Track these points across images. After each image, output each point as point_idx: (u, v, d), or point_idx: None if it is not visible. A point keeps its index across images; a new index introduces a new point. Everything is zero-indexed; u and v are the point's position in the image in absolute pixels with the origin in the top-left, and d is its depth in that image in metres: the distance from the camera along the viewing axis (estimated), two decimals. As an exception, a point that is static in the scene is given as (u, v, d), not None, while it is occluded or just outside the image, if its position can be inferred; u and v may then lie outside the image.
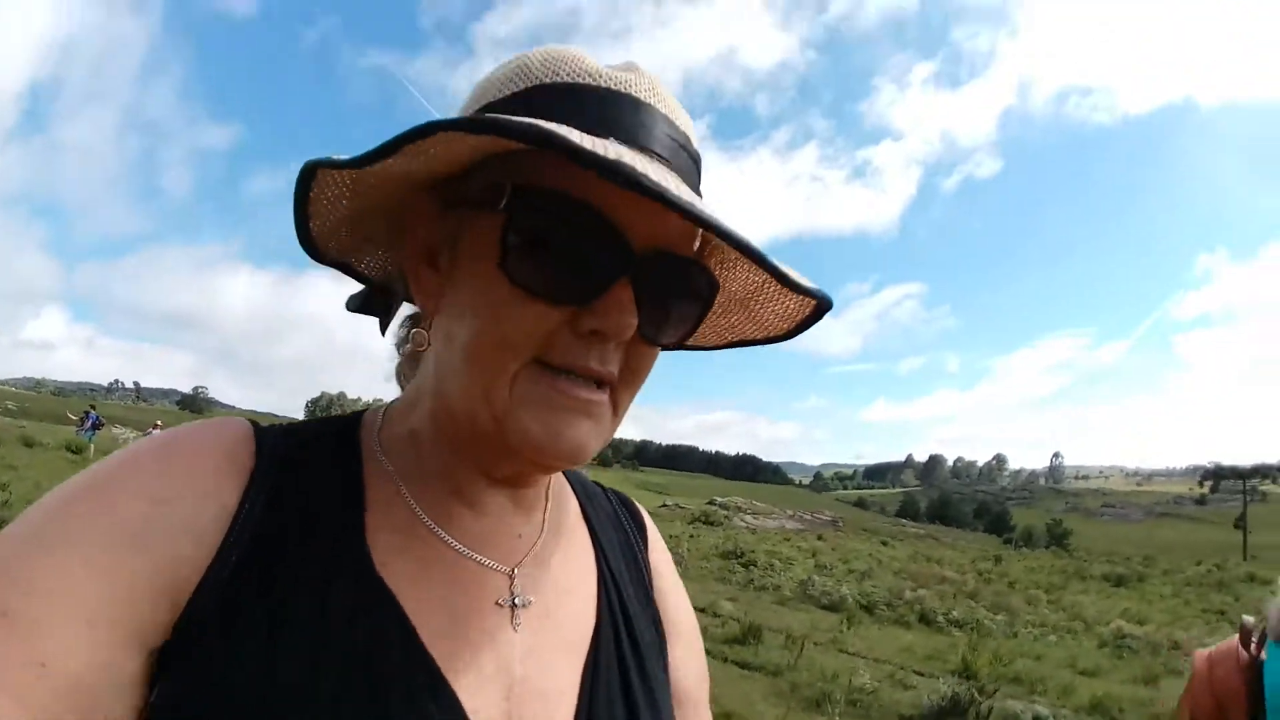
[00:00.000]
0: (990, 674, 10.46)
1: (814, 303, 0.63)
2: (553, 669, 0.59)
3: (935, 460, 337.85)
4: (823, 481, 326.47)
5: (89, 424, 23.68)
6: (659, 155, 0.54)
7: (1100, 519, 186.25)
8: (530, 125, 0.43)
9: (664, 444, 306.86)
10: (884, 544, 48.62)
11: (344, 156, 0.50)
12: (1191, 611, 23.65)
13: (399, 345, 0.70)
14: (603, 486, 0.81)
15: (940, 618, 15.11)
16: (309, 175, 0.52)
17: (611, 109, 0.54)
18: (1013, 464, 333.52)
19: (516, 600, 0.60)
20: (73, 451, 20.84)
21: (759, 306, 0.67)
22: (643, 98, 0.55)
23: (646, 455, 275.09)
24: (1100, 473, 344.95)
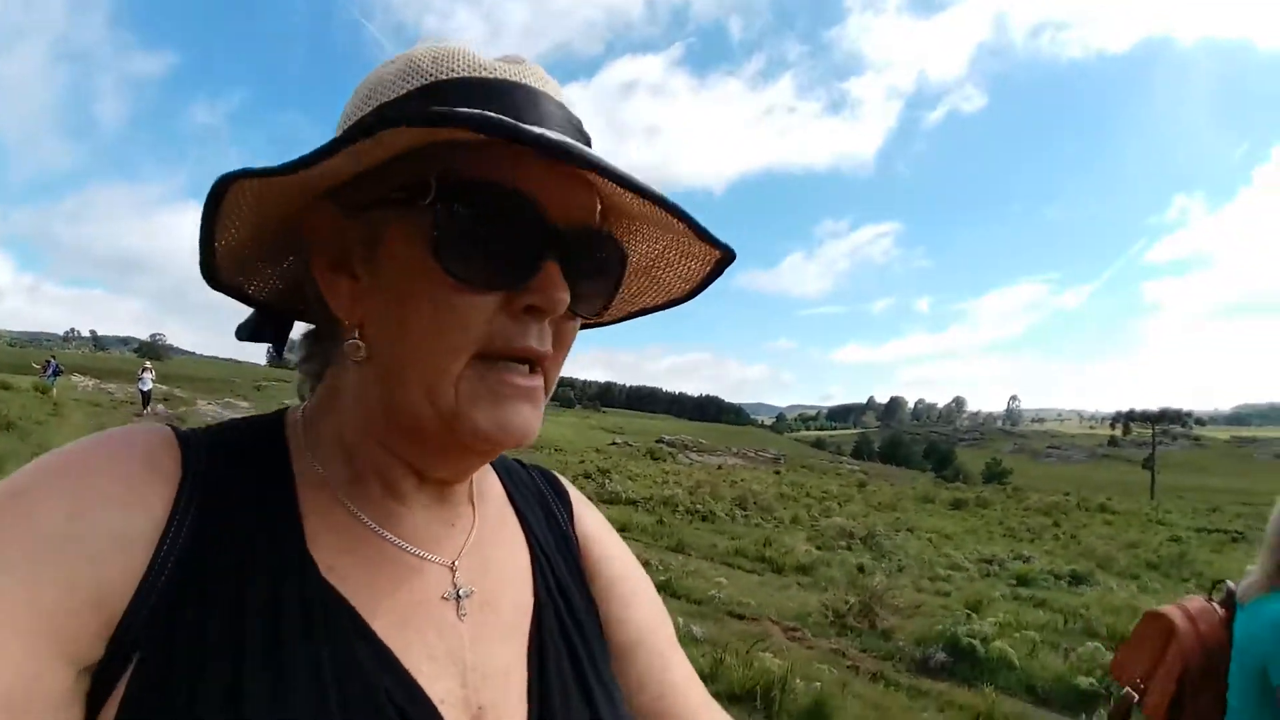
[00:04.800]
0: (651, 534, 15.66)
1: (715, 259, 0.66)
2: (499, 652, 0.62)
3: (896, 402, 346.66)
4: (785, 423, 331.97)
5: (50, 370, 28.56)
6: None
7: (1044, 460, 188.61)
8: (480, 114, 0.44)
9: (629, 386, 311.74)
10: (776, 473, 54.34)
11: (267, 165, 0.48)
12: (984, 526, 27.70)
13: (300, 363, 0.68)
14: (523, 463, 0.84)
15: (681, 508, 20.10)
16: (221, 192, 0.50)
17: (509, 100, 0.55)
18: (972, 406, 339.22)
19: (460, 592, 0.62)
20: (40, 392, 25.12)
21: (660, 273, 0.71)
22: (537, 86, 0.57)
23: (610, 398, 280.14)
24: (1059, 416, 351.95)
